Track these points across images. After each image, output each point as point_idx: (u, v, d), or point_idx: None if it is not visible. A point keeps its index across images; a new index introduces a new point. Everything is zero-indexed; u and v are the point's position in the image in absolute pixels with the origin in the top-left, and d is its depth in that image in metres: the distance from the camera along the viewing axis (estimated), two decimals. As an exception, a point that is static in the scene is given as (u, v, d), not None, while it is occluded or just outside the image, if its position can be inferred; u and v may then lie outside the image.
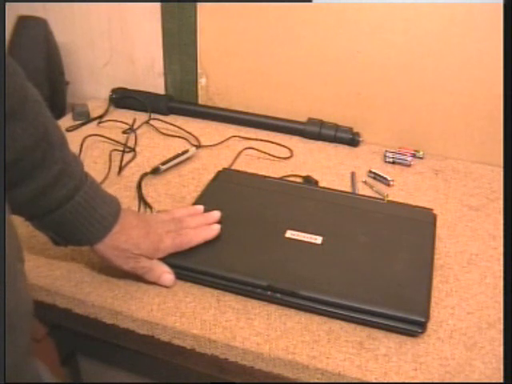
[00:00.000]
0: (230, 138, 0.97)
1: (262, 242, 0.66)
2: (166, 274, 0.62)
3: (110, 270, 0.64)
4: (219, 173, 0.81)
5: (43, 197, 0.54)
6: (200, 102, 1.07)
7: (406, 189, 0.85)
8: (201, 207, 0.69)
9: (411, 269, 0.63)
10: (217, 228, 0.65)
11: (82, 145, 0.90)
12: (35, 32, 1.02)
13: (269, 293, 0.60)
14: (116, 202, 0.60)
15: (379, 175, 0.87)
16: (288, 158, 0.93)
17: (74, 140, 0.92)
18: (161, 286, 0.62)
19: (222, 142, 0.96)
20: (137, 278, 0.62)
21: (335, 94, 0.97)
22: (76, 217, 0.56)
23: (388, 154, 0.93)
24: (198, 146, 0.94)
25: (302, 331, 0.58)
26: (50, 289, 0.62)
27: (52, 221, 0.56)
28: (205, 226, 0.65)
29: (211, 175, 0.80)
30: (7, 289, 0.37)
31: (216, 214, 0.67)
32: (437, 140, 0.95)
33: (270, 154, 0.93)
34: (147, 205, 0.76)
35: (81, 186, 0.56)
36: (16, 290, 0.39)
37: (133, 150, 0.91)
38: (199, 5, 0.97)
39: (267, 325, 0.58)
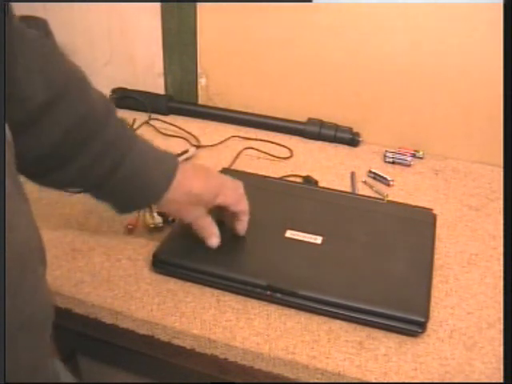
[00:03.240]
0: (229, 137, 0.97)
1: (261, 241, 0.66)
2: (215, 238, 0.63)
3: (110, 270, 0.64)
4: (219, 173, 0.81)
5: (91, 170, 0.56)
6: (200, 102, 1.07)
7: (405, 189, 0.85)
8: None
9: (411, 269, 0.63)
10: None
11: (81, 145, 0.90)
12: (35, 32, 1.02)
13: (269, 292, 0.60)
14: (171, 160, 0.60)
15: (379, 175, 0.87)
16: (288, 157, 0.93)
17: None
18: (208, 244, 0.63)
19: (222, 142, 0.96)
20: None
21: (335, 94, 0.97)
22: (128, 184, 0.57)
23: (388, 154, 0.93)
24: (198, 146, 0.94)
25: (302, 331, 0.58)
26: (50, 289, 0.62)
27: (106, 191, 0.58)
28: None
29: (211, 175, 0.80)
30: (27, 293, 0.35)
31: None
32: (437, 140, 0.95)
33: (270, 154, 0.92)
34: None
35: (127, 153, 0.56)
36: (36, 294, 0.38)
37: (133, 150, 0.91)
38: (199, 5, 0.97)
39: (267, 325, 0.58)
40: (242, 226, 0.65)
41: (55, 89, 0.52)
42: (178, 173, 0.59)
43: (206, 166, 0.67)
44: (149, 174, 0.58)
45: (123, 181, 0.57)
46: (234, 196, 0.63)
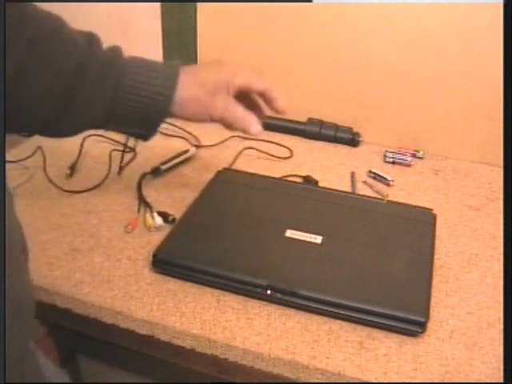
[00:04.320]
0: (229, 138, 0.97)
1: (261, 241, 0.66)
2: (256, 124, 0.59)
3: (110, 270, 0.64)
4: (219, 173, 0.81)
5: (95, 97, 0.54)
6: (200, 102, 1.07)
7: (405, 189, 0.85)
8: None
9: (411, 269, 0.63)
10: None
11: (82, 145, 0.90)
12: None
13: (269, 292, 0.60)
14: (170, 63, 0.58)
15: (379, 175, 0.87)
16: (288, 157, 0.93)
17: (74, 140, 0.91)
18: (249, 133, 0.59)
19: (222, 142, 0.96)
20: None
21: (335, 93, 0.97)
22: (137, 97, 0.55)
23: (388, 154, 0.93)
24: (198, 146, 0.94)
25: (302, 331, 0.58)
26: (50, 289, 0.62)
27: (120, 114, 0.56)
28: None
29: (211, 175, 0.80)
30: (12, 278, 0.37)
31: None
32: (437, 140, 0.95)
33: (270, 154, 0.93)
34: (147, 205, 0.76)
35: (124, 68, 0.55)
36: (20, 280, 0.39)
37: (133, 150, 0.91)
38: (199, 5, 0.97)
39: (267, 325, 0.58)
40: (281, 102, 0.61)
41: (27, 36, 0.51)
42: (182, 70, 0.56)
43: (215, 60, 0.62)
44: (153, 78, 0.55)
45: (130, 96, 0.55)
46: (254, 74, 0.59)
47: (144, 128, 0.59)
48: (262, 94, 0.60)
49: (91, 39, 0.56)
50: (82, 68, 0.54)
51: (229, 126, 0.61)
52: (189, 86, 0.56)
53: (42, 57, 0.52)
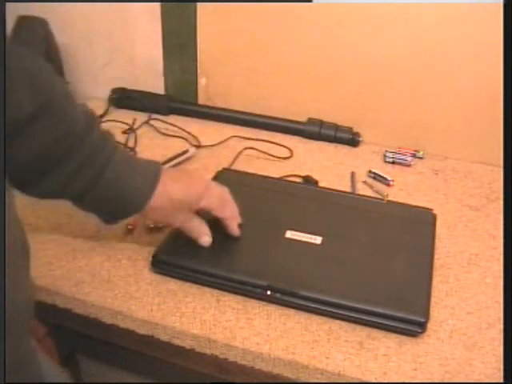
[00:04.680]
0: (229, 137, 0.97)
1: (261, 241, 0.66)
2: (206, 237, 0.64)
3: (110, 270, 0.64)
4: (219, 173, 0.81)
5: (75, 179, 0.57)
6: (200, 102, 1.07)
7: (405, 189, 0.85)
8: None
9: (411, 269, 0.63)
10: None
11: (81, 145, 0.90)
12: (35, 32, 1.02)
13: (269, 293, 0.60)
14: (154, 167, 0.61)
15: (379, 175, 0.87)
16: (288, 157, 0.93)
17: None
18: (199, 243, 0.64)
19: (222, 141, 0.96)
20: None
21: (335, 93, 0.97)
22: (112, 191, 0.58)
23: (388, 154, 0.93)
24: (198, 146, 0.94)
25: (302, 331, 0.58)
26: (50, 289, 0.62)
27: (91, 200, 0.59)
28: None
29: (211, 175, 0.80)
30: (7, 281, 0.37)
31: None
32: (437, 140, 0.95)
33: (269, 154, 0.93)
34: (147, 205, 0.76)
35: (109, 162, 0.58)
36: (14, 282, 0.39)
37: (133, 150, 0.91)
38: (199, 5, 0.97)
39: (267, 325, 0.58)
40: (231, 231, 0.66)
41: (41, 101, 0.53)
42: (161, 179, 0.60)
43: (190, 172, 0.69)
44: (133, 181, 0.59)
45: (107, 188, 0.58)
46: (218, 201, 0.64)
47: (107, 217, 0.62)
48: (221, 220, 0.66)
49: (90, 122, 0.59)
50: (75, 146, 0.56)
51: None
52: (160, 197, 0.60)
53: (50, 120, 0.54)
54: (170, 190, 0.60)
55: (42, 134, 0.54)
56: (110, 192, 0.58)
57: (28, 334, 0.43)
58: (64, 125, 0.55)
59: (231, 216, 0.65)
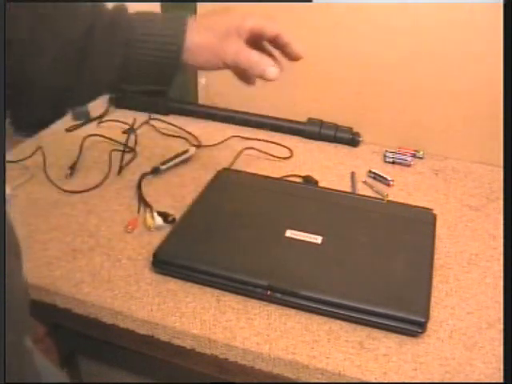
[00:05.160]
0: (229, 138, 0.97)
1: (262, 241, 0.66)
2: (271, 68, 0.56)
3: (110, 270, 0.64)
4: (219, 173, 0.81)
5: (106, 60, 0.52)
6: (200, 101, 1.07)
7: (405, 189, 0.85)
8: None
9: (411, 269, 0.63)
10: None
11: (82, 145, 0.90)
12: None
13: (269, 292, 0.60)
14: (178, 16, 0.56)
15: (379, 175, 0.87)
16: (288, 158, 0.93)
17: (74, 140, 0.92)
18: (266, 79, 0.56)
19: (222, 141, 0.96)
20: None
21: (335, 94, 0.97)
22: (146, 56, 0.53)
23: (388, 154, 0.93)
24: (198, 146, 0.94)
25: (302, 331, 0.58)
26: (50, 289, 0.62)
27: (134, 74, 0.54)
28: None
29: (211, 175, 0.80)
30: None
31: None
32: (437, 140, 0.95)
33: (270, 154, 0.93)
34: (147, 205, 0.76)
35: (131, 27, 0.53)
36: (7, 286, 0.39)
37: (133, 150, 0.91)
38: (199, 5, 0.97)
39: (267, 325, 0.58)
40: (294, 46, 0.59)
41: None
42: (191, 18, 0.55)
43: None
44: (161, 29, 0.54)
45: (141, 49, 0.53)
46: (264, 19, 0.56)
47: (159, 83, 0.57)
48: (274, 40, 0.58)
49: (95, 1, 0.55)
50: (91, 30, 0.52)
51: (242, 74, 0.58)
52: (199, 32, 0.54)
53: (52, 23, 0.51)
54: (208, 22, 0.55)
55: (53, 33, 0.50)
56: (144, 54, 0.53)
57: (24, 334, 0.42)
58: (70, 16, 0.52)
59: (282, 30, 0.57)
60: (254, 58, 0.55)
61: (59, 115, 0.55)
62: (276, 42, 0.58)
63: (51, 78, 0.52)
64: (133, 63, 0.54)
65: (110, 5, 0.58)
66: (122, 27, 0.54)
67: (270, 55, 0.60)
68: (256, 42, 0.58)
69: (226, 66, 0.56)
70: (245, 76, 0.59)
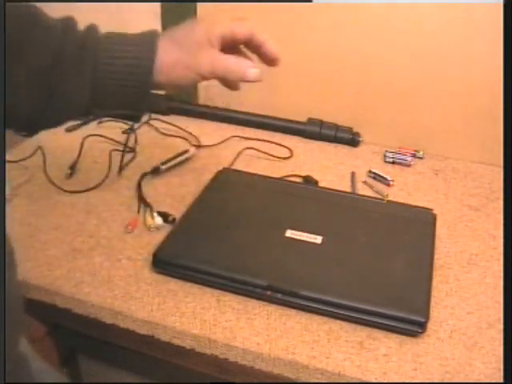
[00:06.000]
0: (229, 138, 0.97)
1: (262, 241, 0.66)
2: (252, 68, 0.54)
3: (110, 270, 0.64)
4: (219, 173, 0.81)
5: (75, 86, 0.51)
6: (200, 102, 1.07)
7: (405, 189, 0.85)
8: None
9: (411, 269, 0.63)
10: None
11: (82, 145, 0.90)
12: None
13: (269, 292, 0.60)
14: (146, 35, 0.54)
15: (379, 175, 0.87)
16: (288, 158, 0.93)
17: (74, 140, 0.92)
18: (247, 81, 0.54)
19: (222, 141, 0.96)
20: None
21: (335, 94, 0.97)
22: (114, 80, 0.52)
23: (388, 154, 0.93)
24: (198, 146, 0.94)
25: (302, 331, 0.58)
26: (50, 289, 0.62)
27: (104, 99, 0.53)
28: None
29: (211, 175, 0.80)
30: None
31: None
32: (437, 140, 0.95)
33: (269, 154, 0.92)
34: (147, 205, 0.76)
35: (98, 51, 0.52)
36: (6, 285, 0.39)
37: (133, 150, 0.91)
38: (199, 5, 0.97)
39: (267, 325, 0.58)
40: (272, 44, 0.56)
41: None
42: (159, 37, 0.53)
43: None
44: (129, 52, 0.52)
45: (109, 74, 0.52)
46: (233, 21, 0.54)
47: (132, 107, 0.55)
48: (249, 42, 0.56)
49: (66, 25, 0.55)
50: (59, 56, 0.52)
51: (225, 81, 0.57)
52: (168, 50, 0.52)
53: (18, 48, 0.50)
54: (176, 38, 0.52)
55: (19, 59, 0.50)
56: (112, 79, 0.52)
57: (19, 333, 0.42)
58: (38, 43, 0.51)
59: (255, 29, 0.55)
60: (231, 64, 0.53)
61: (31, 135, 0.55)
62: (251, 44, 0.56)
63: (20, 103, 0.51)
64: (101, 88, 0.53)
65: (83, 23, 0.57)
66: (90, 51, 0.53)
67: (249, 58, 0.58)
68: (232, 47, 0.56)
69: (205, 78, 0.55)
70: (228, 82, 0.58)
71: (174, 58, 0.52)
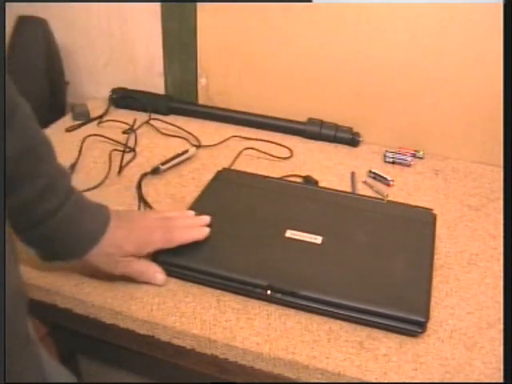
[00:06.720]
0: (229, 138, 0.97)
1: (261, 241, 0.66)
2: (158, 275, 0.62)
3: (110, 270, 0.64)
4: (219, 173, 0.81)
5: (26, 211, 0.54)
6: (200, 101, 1.07)
7: (405, 189, 0.85)
8: (192, 212, 0.68)
9: (411, 269, 0.63)
10: (206, 230, 0.65)
11: (81, 145, 0.90)
12: (35, 32, 1.02)
13: (269, 292, 0.60)
14: (104, 214, 0.59)
15: (379, 175, 0.87)
16: (288, 158, 0.93)
17: (74, 140, 0.92)
18: (154, 284, 0.62)
19: (222, 141, 0.96)
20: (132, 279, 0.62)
21: (335, 93, 0.97)
22: (60, 233, 0.56)
23: (388, 154, 0.93)
24: (198, 146, 0.94)
25: (302, 331, 0.58)
26: (50, 289, 0.62)
27: (35, 236, 0.56)
28: (194, 227, 0.65)
29: (211, 175, 0.80)
30: None
31: (206, 218, 0.66)
32: (437, 140, 0.95)
33: (269, 154, 0.93)
34: (147, 205, 0.76)
35: (65, 201, 0.55)
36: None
37: (133, 150, 0.91)
38: (199, 5, 0.97)
39: (267, 325, 0.58)
40: (199, 233, 0.64)
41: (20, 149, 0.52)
42: (109, 225, 0.58)
43: (133, 214, 0.67)
44: (83, 225, 0.57)
45: (58, 225, 0.55)
46: (164, 235, 0.61)
47: (49, 255, 0.59)
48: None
49: (50, 150, 0.57)
50: (34, 171, 0.54)
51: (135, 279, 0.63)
52: (107, 244, 0.58)
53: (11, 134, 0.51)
54: (118, 238, 0.58)
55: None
56: (57, 231, 0.56)
57: (25, 322, 0.42)
58: (22, 144, 0.52)
59: (185, 237, 0.63)
60: (140, 269, 0.61)
61: None
62: None
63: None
64: (43, 228, 0.55)
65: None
66: (61, 192, 0.56)
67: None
68: None
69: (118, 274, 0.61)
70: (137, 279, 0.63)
71: (102, 251, 0.58)
